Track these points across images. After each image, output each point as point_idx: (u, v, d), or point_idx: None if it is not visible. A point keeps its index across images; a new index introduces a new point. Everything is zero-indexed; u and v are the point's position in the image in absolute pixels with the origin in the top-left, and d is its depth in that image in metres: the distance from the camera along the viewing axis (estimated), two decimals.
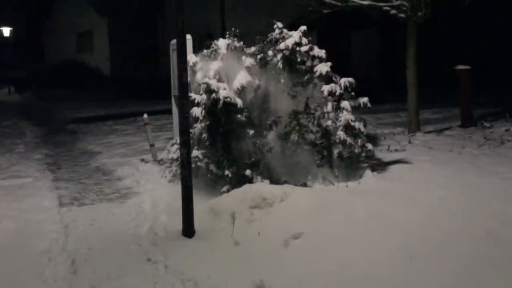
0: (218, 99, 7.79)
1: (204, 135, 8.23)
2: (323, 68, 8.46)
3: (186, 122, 6.53)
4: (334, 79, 8.54)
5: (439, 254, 5.51)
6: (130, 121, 17.88)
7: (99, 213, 7.95)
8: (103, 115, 20.26)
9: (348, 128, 7.92)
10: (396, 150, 9.94)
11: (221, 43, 8.67)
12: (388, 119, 14.90)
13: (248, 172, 7.71)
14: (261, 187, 7.19)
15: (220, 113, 7.83)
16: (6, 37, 33.64)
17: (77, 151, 13.58)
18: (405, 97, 12.18)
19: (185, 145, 6.54)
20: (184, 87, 6.50)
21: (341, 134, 7.88)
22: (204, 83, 7.95)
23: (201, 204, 7.50)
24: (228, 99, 7.77)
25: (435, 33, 15.23)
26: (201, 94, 8.10)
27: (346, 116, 7.97)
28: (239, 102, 7.81)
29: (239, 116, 7.81)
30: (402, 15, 11.96)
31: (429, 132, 12.27)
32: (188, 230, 6.61)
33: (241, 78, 8.04)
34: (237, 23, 11.79)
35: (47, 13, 38.00)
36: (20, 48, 38.48)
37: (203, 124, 8.22)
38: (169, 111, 12.64)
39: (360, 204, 6.47)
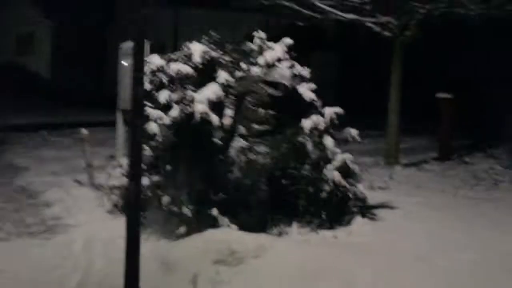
0: (191, 114, 6.21)
1: (163, 158, 6.62)
2: (306, 92, 7.04)
3: (138, 149, 4.85)
4: (314, 103, 7.09)
5: None
6: (68, 133, 15.83)
7: (15, 254, 6.16)
8: (37, 123, 18.25)
9: (342, 168, 6.44)
10: (380, 188, 8.53)
11: (195, 48, 7.08)
12: (354, 146, 13.55)
13: (215, 212, 6.09)
14: (228, 234, 5.58)
15: (193, 132, 6.25)
16: None
17: (1, 164, 11.66)
18: (367, 121, 10.91)
19: (135, 181, 4.84)
20: (139, 103, 4.83)
21: (335, 174, 6.38)
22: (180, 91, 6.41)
23: (149, 250, 5.84)
24: (205, 115, 6.21)
25: (418, 55, 14.08)
26: (164, 106, 6.56)
27: (343, 156, 6.53)
28: (214, 119, 6.27)
29: (214, 138, 6.25)
30: (388, 33, 10.62)
31: (407, 165, 10.95)
32: None
33: (215, 90, 6.52)
34: (191, 33, 10.38)
35: None
36: None
37: (162, 146, 6.62)
38: (113, 123, 10.90)
39: (362, 269, 4.92)
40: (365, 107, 17.97)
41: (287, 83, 6.89)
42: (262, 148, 6.53)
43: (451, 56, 18.33)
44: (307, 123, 6.80)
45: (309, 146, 6.74)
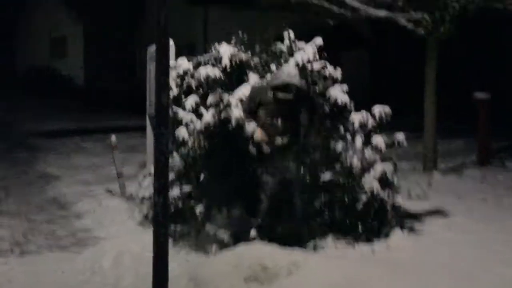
0: (226, 119, 6.01)
1: (195, 167, 6.42)
2: (339, 95, 6.68)
3: (163, 160, 4.65)
4: (348, 107, 6.78)
5: None
6: (99, 138, 15.77)
7: (45, 268, 6.04)
8: (70, 129, 18.23)
9: (382, 179, 6.14)
10: (418, 196, 8.18)
11: (224, 50, 6.87)
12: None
13: (253, 233, 5.86)
14: (261, 250, 5.33)
15: (227, 138, 6.12)
16: None
17: (34, 174, 11.60)
18: (401, 122, 10.48)
19: (161, 193, 4.65)
20: (164, 110, 4.63)
21: (375, 184, 6.08)
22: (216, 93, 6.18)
23: (179, 264, 5.67)
24: (241, 120, 6.00)
25: (453, 53, 13.67)
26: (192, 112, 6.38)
27: (384, 166, 6.22)
28: (251, 126, 6.06)
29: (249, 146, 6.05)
30: (421, 31, 10.25)
31: (446, 170, 10.55)
32: None
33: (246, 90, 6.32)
34: (221, 34, 10.14)
35: (20, 15, 35.84)
36: None
37: (193, 153, 6.42)
38: (145, 128, 10.75)
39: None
40: (398, 107, 17.55)
41: (297, 83, 6.22)
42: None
43: (488, 54, 17.76)
44: (356, 118, 6.51)
45: (358, 143, 6.43)
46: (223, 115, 6.15)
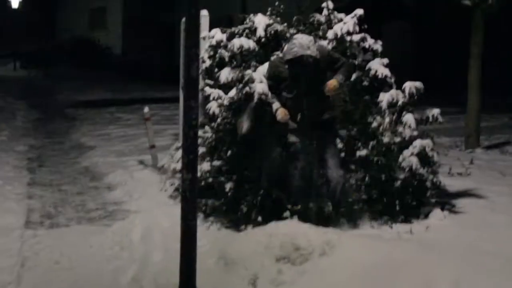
0: (251, 95, 5.79)
1: (224, 142, 6.21)
2: (379, 68, 6.35)
3: (192, 134, 4.42)
4: (388, 80, 6.45)
5: None
6: (135, 109, 15.67)
7: (73, 242, 5.89)
8: (107, 99, 18.27)
9: (421, 155, 5.82)
10: (459, 174, 7.84)
11: (259, 21, 6.59)
12: (431, 124, 12.74)
13: (287, 214, 5.64)
14: (294, 228, 5.10)
15: (252, 114, 5.88)
16: (15, 9, 31.62)
17: (69, 143, 11.60)
18: (446, 97, 10.11)
19: (190, 169, 4.43)
20: (193, 83, 4.40)
21: (413, 160, 5.77)
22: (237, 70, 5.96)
23: (209, 241, 5.49)
24: (264, 97, 5.74)
25: (500, 27, 13.17)
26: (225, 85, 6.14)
27: (422, 142, 5.89)
28: (275, 104, 5.78)
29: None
30: (468, 2, 9.80)
31: (489, 147, 10.16)
32: None
33: None
34: (260, 5, 9.84)
35: None
36: (30, 22, 36.32)
37: (224, 126, 6.21)
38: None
39: (443, 271, 4.37)
40: (443, 81, 17.01)
41: (312, 53, 5.53)
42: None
43: None
44: (385, 97, 6.19)
45: (387, 121, 6.12)
46: (245, 90, 5.88)
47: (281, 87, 5.82)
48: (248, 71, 5.94)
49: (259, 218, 5.66)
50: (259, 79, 5.87)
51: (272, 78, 5.85)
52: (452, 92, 14.18)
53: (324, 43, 6.26)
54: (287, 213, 5.59)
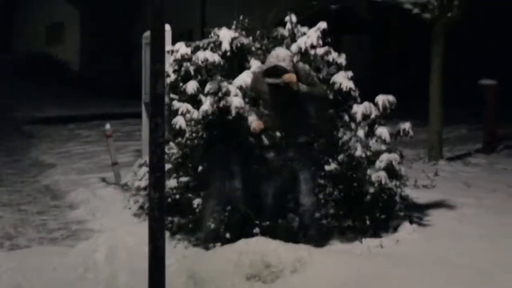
0: (226, 108, 5.66)
1: (193, 157, 6.10)
2: (343, 81, 6.31)
3: (159, 152, 4.30)
4: (352, 93, 6.43)
5: None
6: (95, 125, 15.43)
7: (35, 264, 5.65)
8: (66, 115, 17.92)
9: (388, 169, 5.82)
10: (425, 186, 7.87)
11: (224, 35, 6.52)
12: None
13: (256, 231, 5.55)
14: (263, 246, 5.02)
15: (227, 128, 5.79)
16: None
17: (28, 161, 11.34)
18: (405, 109, 10.16)
19: (157, 187, 4.31)
20: (159, 100, 4.28)
21: (382, 175, 5.75)
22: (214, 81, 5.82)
23: (177, 260, 5.37)
24: (241, 111, 5.65)
25: (459, 39, 13.33)
26: (191, 98, 6.04)
27: (389, 156, 5.88)
28: (252, 117, 5.71)
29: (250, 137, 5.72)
30: (428, 15, 9.92)
31: (452, 159, 10.26)
32: None
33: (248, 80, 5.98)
34: (219, 19, 9.77)
35: (17, 0, 35.40)
36: None
37: (191, 143, 6.08)
38: (140, 114, 10.42)
39: (414, 285, 4.34)
40: (401, 94, 17.13)
41: (286, 66, 5.46)
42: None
43: (496, 40, 17.37)
44: (359, 110, 6.16)
45: (361, 134, 6.09)
46: (222, 104, 5.78)
47: (259, 102, 5.75)
48: (225, 84, 5.84)
49: (227, 235, 5.56)
50: (234, 91, 5.80)
51: (253, 90, 5.78)
52: (411, 104, 14.32)
53: (306, 66, 6.18)
54: (256, 230, 5.50)
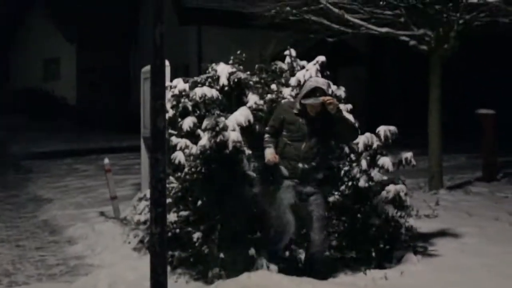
0: (223, 143, 5.63)
1: (192, 191, 6.05)
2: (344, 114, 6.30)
3: (161, 187, 4.29)
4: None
5: None
6: (92, 159, 15.42)
7: None
8: (63, 150, 17.87)
9: (395, 200, 5.77)
10: (427, 216, 7.82)
11: (222, 70, 6.51)
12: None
13: (252, 251, 5.48)
14: (267, 278, 4.95)
15: (225, 162, 5.74)
16: None
17: (25, 196, 11.22)
18: (402, 139, 10.15)
19: (158, 222, 4.29)
20: (160, 135, 4.27)
21: (389, 208, 5.71)
22: (211, 117, 5.80)
23: None
24: (239, 144, 5.61)
25: (456, 70, 13.40)
26: (188, 134, 5.99)
27: (397, 187, 5.83)
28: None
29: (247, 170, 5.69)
30: (425, 47, 9.96)
31: (452, 188, 10.22)
32: None
33: (246, 114, 5.93)
34: (216, 54, 9.73)
35: (13, 36, 35.57)
36: None
37: (190, 177, 6.03)
38: (138, 148, 10.36)
39: None
40: (398, 125, 17.13)
41: (326, 89, 5.45)
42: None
43: (493, 70, 17.46)
44: (361, 140, 6.11)
45: (363, 164, 6.02)
46: (219, 138, 5.75)
47: (280, 131, 5.63)
48: (222, 119, 5.81)
49: (231, 269, 5.48)
50: (231, 126, 5.76)
51: (276, 121, 5.69)
52: (408, 135, 14.34)
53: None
54: (261, 263, 5.41)
